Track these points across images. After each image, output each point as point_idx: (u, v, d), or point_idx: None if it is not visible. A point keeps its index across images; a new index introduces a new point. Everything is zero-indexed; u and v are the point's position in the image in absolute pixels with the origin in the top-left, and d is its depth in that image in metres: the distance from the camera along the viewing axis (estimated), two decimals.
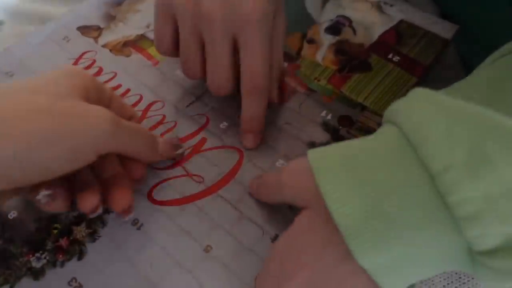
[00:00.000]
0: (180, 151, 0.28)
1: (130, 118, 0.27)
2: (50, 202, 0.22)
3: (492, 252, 0.17)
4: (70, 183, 0.23)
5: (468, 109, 0.17)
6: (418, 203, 0.17)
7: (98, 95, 0.24)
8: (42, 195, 0.22)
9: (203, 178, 0.27)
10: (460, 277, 0.26)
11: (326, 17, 0.36)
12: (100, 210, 0.23)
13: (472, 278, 0.27)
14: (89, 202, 0.22)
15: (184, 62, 0.27)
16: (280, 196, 0.23)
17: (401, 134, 0.19)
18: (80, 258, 0.25)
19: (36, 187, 0.22)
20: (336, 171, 0.19)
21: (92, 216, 0.23)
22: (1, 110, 0.19)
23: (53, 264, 0.25)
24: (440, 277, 0.28)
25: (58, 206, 0.22)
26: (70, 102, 0.21)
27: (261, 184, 0.25)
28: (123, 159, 0.25)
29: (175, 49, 0.27)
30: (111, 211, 0.26)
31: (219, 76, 0.26)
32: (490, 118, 0.16)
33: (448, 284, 0.28)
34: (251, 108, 0.26)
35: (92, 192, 0.23)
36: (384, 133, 0.20)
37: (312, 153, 0.20)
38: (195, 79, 0.28)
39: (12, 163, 0.19)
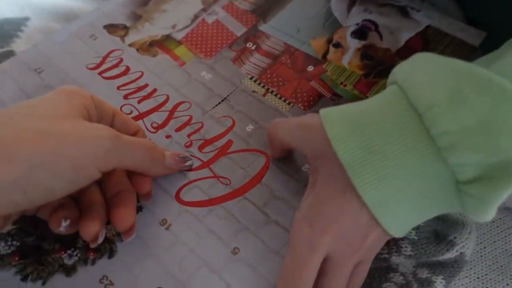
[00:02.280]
0: (188, 163, 0.28)
1: (135, 133, 0.27)
2: (68, 229, 0.23)
3: (472, 181, 0.19)
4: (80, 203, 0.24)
5: (450, 62, 0.20)
6: (409, 139, 0.20)
7: (99, 112, 0.25)
8: (63, 227, 0.23)
9: (230, 180, 0.28)
10: (486, 287, 0.27)
11: (352, 21, 0.36)
12: (100, 240, 0.23)
13: None
14: (89, 232, 0.22)
15: None
16: (292, 140, 0.25)
17: (397, 88, 0.22)
18: (110, 256, 0.25)
19: (54, 214, 0.23)
20: (341, 119, 0.22)
21: (93, 246, 0.23)
22: (0, 135, 0.19)
23: (84, 261, 0.25)
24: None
25: (76, 229, 0.23)
26: (69, 122, 0.21)
27: (281, 121, 0.26)
28: (131, 174, 0.25)
29: None
30: (139, 210, 0.27)
31: None
32: (469, 67, 0.20)
33: None
34: None
35: (93, 219, 0.23)
36: (385, 90, 0.23)
37: (324, 110, 0.23)
38: None
39: (13, 187, 0.19)
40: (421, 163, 0.20)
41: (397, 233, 0.23)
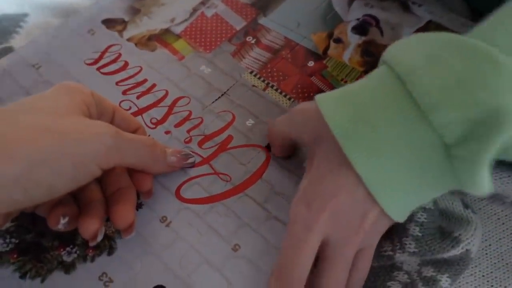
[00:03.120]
0: (190, 160, 0.28)
1: (135, 130, 0.27)
2: (67, 227, 0.23)
3: (459, 143, 0.20)
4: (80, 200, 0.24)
5: (430, 34, 0.22)
6: (395, 107, 0.21)
7: (99, 109, 0.24)
8: (62, 224, 0.22)
9: (230, 177, 0.28)
10: (492, 285, 0.27)
11: (353, 15, 0.35)
12: (99, 238, 0.23)
13: (505, 286, 0.28)
14: (88, 229, 0.22)
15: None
16: (289, 128, 0.26)
17: (385, 66, 0.23)
18: (110, 253, 0.25)
19: (52, 211, 0.23)
20: (334, 98, 0.23)
21: (92, 244, 0.23)
22: (1, 132, 0.19)
23: (83, 258, 0.25)
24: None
25: (74, 226, 0.23)
26: (69, 119, 0.21)
27: (273, 123, 0.27)
28: (131, 171, 0.25)
29: None
30: (139, 207, 0.27)
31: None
32: (445, 35, 0.21)
33: None
34: None
35: (92, 217, 0.23)
36: (375, 70, 0.24)
37: (319, 95, 0.24)
38: None
39: (14, 185, 0.19)
40: (408, 130, 0.21)
41: (396, 214, 0.23)
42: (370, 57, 0.33)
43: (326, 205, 0.22)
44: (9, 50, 0.39)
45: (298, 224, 0.22)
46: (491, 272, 0.29)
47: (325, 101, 0.23)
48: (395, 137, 0.21)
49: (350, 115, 0.22)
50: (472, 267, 0.29)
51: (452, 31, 0.34)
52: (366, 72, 0.32)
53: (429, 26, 0.35)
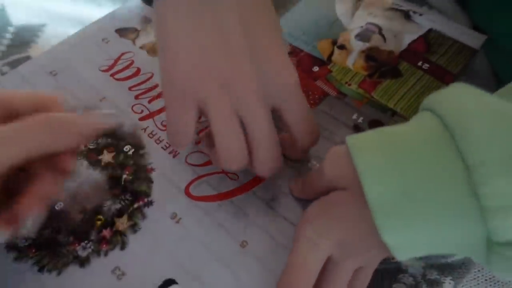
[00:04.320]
0: (116, 121, 0.24)
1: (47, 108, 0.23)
2: None
3: (508, 244, 0.18)
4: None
5: (507, 109, 0.18)
6: (448, 190, 0.18)
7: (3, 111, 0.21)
8: None
9: (237, 175, 0.29)
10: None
11: (356, 24, 0.37)
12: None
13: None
14: None
15: (226, 151, 0.23)
16: (322, 181, 0.24)
17: (440, 122, 0.19)
18: (122, 248, 0.26)
19: None
20: (373, 153, 0.20)
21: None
22: None
23: (97, 253, 0.26)
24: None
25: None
26: None
27: (304, 180, 0.26)
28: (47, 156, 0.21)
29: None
30: (150, 204, 0.28)
31: (269, 151, 0.24)
32: None
33: None
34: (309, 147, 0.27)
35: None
36: (423, 119, 0.21)
37: (351, 138, 0.21)
38: (239, 168, 0.24)
39: None
40: (456, 219, 0.19)
41: (402, 259, 0.22)
42: (374, 61, 0.34)
43: (331, 236, 0.22)
44: (27, 59, 0.41)
45: (304, 246, 0.22)
46: (494, 277, 0.29)
47: (362, 157, 0.20)
48: (438, 221, 0.19)
49: (393, 183, 0.19)
50: (475, 272, 0.30)
51: (452, 39, 0.35)
52: (370, 76, 0.33)
53: (430, 34, 0.36)
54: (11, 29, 0.43)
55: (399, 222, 0.19)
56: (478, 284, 0.30)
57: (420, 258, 0.28)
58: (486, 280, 0.30)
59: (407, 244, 0.20)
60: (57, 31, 0.43)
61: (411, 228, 0.19)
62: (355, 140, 0.21)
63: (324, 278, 0.23)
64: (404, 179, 0.19)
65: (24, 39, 0.42)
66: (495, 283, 0.30)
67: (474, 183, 0.18)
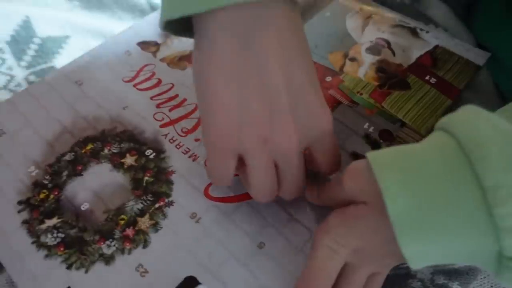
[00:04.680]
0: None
1: None
2: None
3: None
4: None
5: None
6: (464, 208, 0.20)
7: None
8: None
9: None
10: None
11: (366, 38, 0.39)
12: None
13: None
14: None
15: (258, 191, 0.26)
16: (341, 194, 0.25)
17: (456, 144, 0.21)
18: (145, 246, 0.28)
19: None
20: (394, 169, 0.21)
21: None
22: None
23: (121, 251, 0.27)
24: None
25: None
26: None
27: (323, 187, 0.27)
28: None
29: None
30: (170, 205, 0.29)
31: (296, 186, 0.26)
32: None
33: None
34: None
35: None
36: (440, 140, 0.22)
37: (371, 154, 0.23)
38: (268, 201, 0.26)
39: None
40: (470, 235, 0.20)
41: (415, 268, 0.23)
42: (384, 73, 0.36)
43: (349, 245, 0.23)
44: (52, 69, 0.43)
45: (323, 253, 0.24)
46: (498, 284, 0.30)
47: (384, 174, 0.21)
48: (454, 237, 0.20)
49: (412, 202, 0.20)
50: (481, 278, 0.31)
51: (457, 55, 0.37)
52: (380, 86, 0.35)
53: (437, 50, 0.38)
54: (36, 40, 0.45)
55: (417, 235, 0.20)
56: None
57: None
58: (491, 286, 0.31)
59: (423, 255, 0.21)
60: (80, 43, 0.45)
61: (427, 241, 0.20)
62: (375, 156, 0.22)
63: (339, 282, 0.24)
64: (423, 197, 0.20)
65: (49, 49, 0.44)
66: None
67: (489, 203, 0.19)
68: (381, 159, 0.22)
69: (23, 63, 0.43)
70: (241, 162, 0.25)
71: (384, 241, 0.22)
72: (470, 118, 0.21)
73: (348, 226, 0.24)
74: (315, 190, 0.28)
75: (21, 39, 0.45)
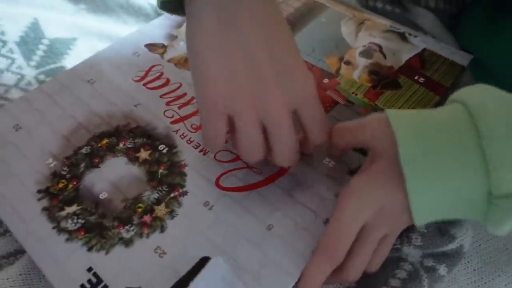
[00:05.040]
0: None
1: None
2: None
3: (506, 196, 0.23)
4: None
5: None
6: (463, 154, 0.24)
7: None
8: None
9: (261, 170, 0.33)
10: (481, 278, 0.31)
11: (360, 43, 0.42)
12: None
13: (492, 279, 0.32)
14: None
15: (247, 151, 0.28)
16: (361, 136, 0.28)
17: (465, 108, 0.25)
18: (162, 231, 0.30)
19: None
20: (408, 125, 0.26)
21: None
22: None
23: (140, 235, 0.29)
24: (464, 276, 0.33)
25: None
26: None
27: (343, 126, 0.30)
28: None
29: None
30: (185, 194, 0.31)
31: (289, 149, 0.28)
32: None
33: (469, 284, 0.33)
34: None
35: None
36: (451, 106, 0.26)
37: (390, 111, 0.27)
38: (256, 160, 0.29)
39: None
40: (467, 175, 0.24)
41: (419, 223, 0.27)
42: (376, 75, 0.39)
43: (374, 204, 0.26)
44: (61, 68, 0.45)
45: (347, 213, 0.26)
46: (481, 267, 0.34)
47: (401, 129, 0.25)
48: (450, 179, 0.24)
49: (421, 149, 0.24)
50: (465, 263, 0.34)
51: (443, 57, 0.40)
52: (373, 87, 0.38)
53: (425, 53, 0.41)
54: (45, 41, 0.47)
55: (422, 179, 0.24)
56: (468, 273, 0.34)
57: (419, 247, 0.32)
58: (474, 270, 0.34)
59: (425, 205, 0.25)
60: (87, 45, 0.47)
61: (431, 182, 0.24)
62: (394, 112, 0.27)
63: (356, 243, 0.27)
64: (429, 145, 0.25)
65: (57, 50, 0.46)
66: (482, 273, 0.34)
67: (482, 148, 0.23)
68: (397, 113, 0.26)
69: (33, 63, 0.45)
70: (232, 128, 0.28)
71: (402, 197, 0.25)
72: (474, 88, 0.26)
73: (371, 182, 0.27)
74: (341, 130, 0.30)
75: (30, 40, 0.46)
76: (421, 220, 0.26)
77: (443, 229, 0.32)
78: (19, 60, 0.45)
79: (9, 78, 0.43)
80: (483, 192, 0.24)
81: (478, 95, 0.25)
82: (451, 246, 0.32)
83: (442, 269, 0.32)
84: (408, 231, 0.32)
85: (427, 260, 0.33)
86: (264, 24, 0.27)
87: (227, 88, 0.26)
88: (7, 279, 0.30)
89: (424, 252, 0.33)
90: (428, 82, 0.38)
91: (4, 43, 0.46)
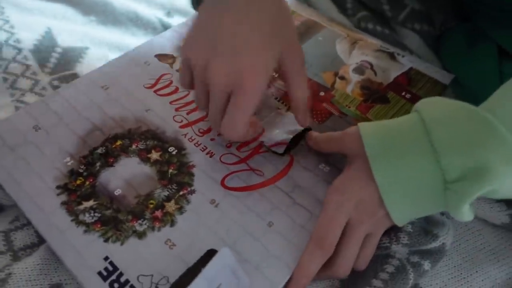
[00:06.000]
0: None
1: None
2: None
3: (455, 181, 0.28)
4: None
5: (457, 101, 0.30)
6: (417, 146, 0.29)
7: None
8: None
9: (263, 172, 0.36)
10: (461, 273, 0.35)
11: (353, 60, 0.46)
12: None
13: (471, 274, 0.36)
14: None
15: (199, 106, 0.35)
16: (340, 144, 0.34)
17: (417, 114, 0.30)
18: (172, 225, 0.32)
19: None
20: (373, 129, 0.32)
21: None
22: None
23: (152, 228, 0.32)
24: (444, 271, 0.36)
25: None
26: None
27: (326, 136, 0.35)
28: None
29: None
30: (193, 193, 0.34)
31: (228, 123, 0.32)
32: (466, 104, 0.29)
33: (450, 279, 0.36)
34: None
35: None
36: (409, 114, 0.32)
37: (362, 123, 0.32)
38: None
39: None
40: (422, 164, 0.29)
41: (397, 219, 0.31)
42: (367, 90, 0.43)
43: (353, 196, 0.31)
44: (74, 75, 0.48)
45: (332, 206, 0.31)
46: (460, 264, 0.37)
47: (366, 130, 0.31)
48: (410, 168, 0.29)
49: (382, 143, 0.30)
50: (446, 260, 0.37)
51: (428, 76, 0.44)
52: (365, 101, 0.42)
53: (411, 71, 0.45)
54: (58, 49, 0.49)
55: (384, 165, 0.30)
56: (449, 269, 0.37)
57: (406, 245, 0.35)
58: (454, 266, 0.38)
59: (393, 192, 0.30)
60: (98, 54, 0.50)
61: (391, 170, 0.29)
62: (364, 123, 0.32)
63: (343, 239, 0.31)
64: (388, 138, 0.30)
65: (70, 58, 0.49)
66: (461, 269, 0.37)
67: (429, 137, 0.28)
68: (366, 124, 0.32)
69: (47, 70, 0.48)
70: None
71: (375, 189, 0.30)
72: (430, 100, 0.32)
73: (349, 179, 0.32)
74: (323, 138, 0.36)
75: (43, 48, 0.49)
76: (394, 211, 0.30)
77: (428, 229, 0.36)
78: (34, 66, 0.48)
79: (25, 83, 0.46)
80: (438, 178, 0.28)
81: (429, 102, 0.31)
82: (434, 244, 0.35)
83: (426, 265, 0.35)
84: (396, 231, 0.35)
85: (413, 256, 0.36)
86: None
87: (197, 43, 0.32)
88: (26, 268, 0.32)
89: (410, 250, 0.36)
90: (414, 98, 0.42)
91: (20, 50, 0.49)
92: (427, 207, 0.31)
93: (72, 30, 0.52)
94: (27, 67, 0.48)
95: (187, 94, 0.42)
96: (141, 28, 0.55)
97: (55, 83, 0.47)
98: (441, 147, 0.28)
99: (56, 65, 0.48)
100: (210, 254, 0.31)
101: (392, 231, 0.34)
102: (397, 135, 0.30)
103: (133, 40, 0.53)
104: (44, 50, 0.49)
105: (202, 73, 0.31)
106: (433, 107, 0.30)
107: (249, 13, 0.31)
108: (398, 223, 0.32)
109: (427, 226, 0.36)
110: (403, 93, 0.43)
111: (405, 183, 0.29)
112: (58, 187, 0.34)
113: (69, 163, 0.36)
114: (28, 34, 0.50)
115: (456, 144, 0.28)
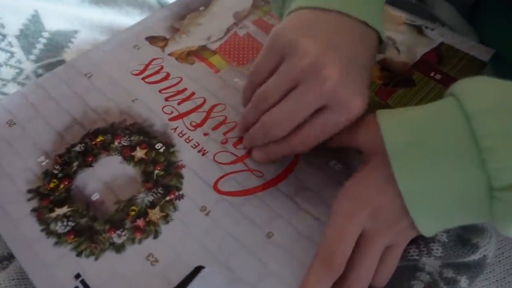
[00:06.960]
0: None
1: None
2: None
3: (508, 188, 0.21)
4: None
5: (503, 82, 0.23)
6: (453, 140, 0.23)
7: None
8: None
9: (262, 173, 0.31)
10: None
11: None
12: None
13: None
14: None
15: (260, 99, 0.29)
16: (354, 139, 0.28)
17: (453, 98, 0.24)
18: (155, 237, 0.28)
19: None
20: (395, 120, 0.25)
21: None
22: None
23: (132, 240, 0.28)
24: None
25: None
26: None
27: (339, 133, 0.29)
28: None
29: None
30: (181, 198, 0.30)
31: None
32: None
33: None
34: None
35: None
36: (444, 99, 0.25)
37: (381, 110, 0.27)
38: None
39: None
40: (460, 165, 0.22)
41: (425, 230, 0.25)
42: (388, 72, 0.36)
43: (368, 204, 0.25)
44: (61, 62, 0.43)
45: (342, 216, 0.25)
46: (504, 278, 0.31)
47: (387, 121, 0.25)
48: (444, 171, 0.23)
49: (407, 138, 0.24)
50: (486, 273, 0.31)
51: (462, 52, 0.37)
52: (384, 85, 0.35)
53: (442, 47, 0.38)
54: (45, 34, 0.45)
55: (410, 167, 0.23)
56: (490, 284, 0.31)
57: (440, 257, 0.30)
58: (497, 280, 0.32)
59: (418, 193, 0.23)
60: (89, 38, 0.46)
61: (420, 173, 0.23)
62: (381, 111, 0.26)
63: (356, 253, 0.25)
64: (416, 133, 0.24)
65: (58, 44, 0.45)
66: (505, 284, 0.31)
67: (473, 130, 0.22)
68: (386, 112, 0.26)
69: (32, 57, 0.44)
70: None
71: (396, 195, 0.24)
72: (471, 82, 0.25)
73: (362, 182, 0.26)
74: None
75: (30, 33, 0.45)
76: (422, 222, 0.24)
77: (465, 237, 0.30)
78: (19, 54, 0.44)
79: (7, 73, 0.42)
80: (483, 185, 0.22)
81: (470, 85, 0.24)
82: (474, 256, 0.30)
83: (463, 281, 0.30)
84: (427, 242, 0.30)
85: (446, 270, 0.30)
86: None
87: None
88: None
89: (443, 262, 0.30)
90: (445, 79, 0.36)
91: (4, 36, 0.45)
92: (465, 218, 0.25)
93: (61, 12, 0.48)
94: (12, 54, 0.44)
95: (179, 81, 0.37)
96: (136, 7, 0.50)
97: (40, 71, 0.43)
98: (488, 145, 0.21)
99: (42, 51, 0.44)
100: (197, 271, 0.26)
101: (421, 240, 0.28)
102: (427, 127, 0.24)
103: (128, 20, 0.49)
104: (30, 36, 0.45)
105: (312, 69, 0.26)
106: (476, 91, 0.23)
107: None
108: (427, 234, 0.26)
109: (464, 234, 0.30)
110: (432, 74, 0.36)
111: (436, 189, 0.23)
112: (29, 191, 0.30)
113: (43, 163, 0.32)
114: (13, 18, 0.46)
115: (509, 142, 0.21)
